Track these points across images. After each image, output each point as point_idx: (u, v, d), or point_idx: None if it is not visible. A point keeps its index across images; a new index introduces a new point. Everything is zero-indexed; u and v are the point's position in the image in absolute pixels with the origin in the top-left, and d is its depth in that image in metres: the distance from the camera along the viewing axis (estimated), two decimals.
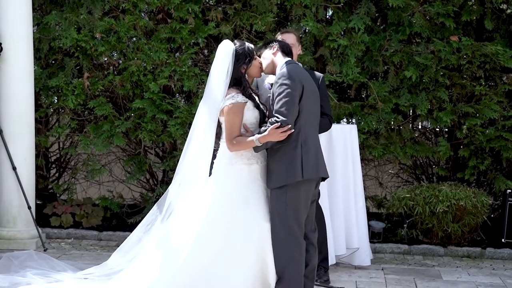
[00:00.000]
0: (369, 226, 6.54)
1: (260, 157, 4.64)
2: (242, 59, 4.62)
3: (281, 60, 4.65)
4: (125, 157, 7.78)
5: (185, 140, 4.83)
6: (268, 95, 4.73)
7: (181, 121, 7.13)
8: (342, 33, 7.20)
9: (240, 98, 4.56)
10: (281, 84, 4.47)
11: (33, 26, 6.93)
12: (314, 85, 4.67)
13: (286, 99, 4.42)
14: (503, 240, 6.91)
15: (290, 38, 5.41)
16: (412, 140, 7.38)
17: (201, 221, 4.56)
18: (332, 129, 5.78)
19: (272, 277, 4.53)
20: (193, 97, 7.28)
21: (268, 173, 4.60)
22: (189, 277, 4.52)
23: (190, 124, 4.98)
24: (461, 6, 7.08)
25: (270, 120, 4.46)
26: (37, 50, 7.16)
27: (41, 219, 7.34)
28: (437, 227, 6.84)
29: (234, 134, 4.54)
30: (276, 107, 4.45)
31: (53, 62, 7.53)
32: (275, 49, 4.69)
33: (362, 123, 7.13)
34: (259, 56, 4.77)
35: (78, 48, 7.23)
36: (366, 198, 7.11)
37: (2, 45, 6.51)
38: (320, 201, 5.64)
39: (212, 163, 4.66)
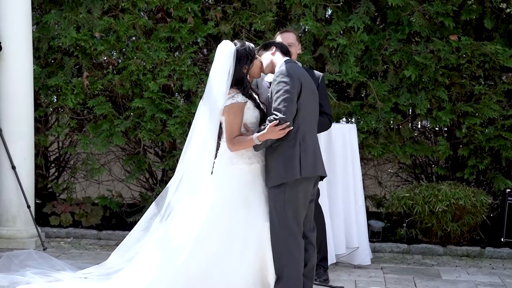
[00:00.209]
0: (368, 225, 6.53)
1: (261, 156, 4.63)
2: (243, 59, 4.60)
3: (280, 59, 4.65)
4: (125, 156, 7.78)
5: (185, 139, 4.82)
6: (268, 94, 4.73)
7: (181, 120, 7.12)
8: (342, 32, 7.19)
9: (240, 98, 4.55)
10: (279, 82, 4.47)
11: (33, 25, 6.92)
12: (312, 84, 4.67)
13: (284, 96, 4.42)
14: (502, 239, 6.91)
15: (289, 37, 5.42)
16: (412, 140, 7.38)
17: (201, 221, 4.55)
18: (332, 129, 5.78)
19: (271, 277, 4.53)
20: (192, 96, 7.27)
21: (266, 171, 4.60)
22: (188, 277, 4.52)
23: (190, 123, 4.98)
24: (460, 5, 7.08)
25: (268, 118, 4.46)
26: (36, 49, 7.16)
27: (41, 218, 7.33)
28: (437, 227, 6.83)
29: (234, 133, 4.53)
30: (274, 104, 4.45)
31: (52, 61, 7.52)
32: (274, 49, 4.71)
33: (362, 122, 7.13)
34: None
35: (78, 47, 7.22)
36: (366, 197, 7.13)
37: (2, 44, 6.50)
38: (319, 201, 5.64)
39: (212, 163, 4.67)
